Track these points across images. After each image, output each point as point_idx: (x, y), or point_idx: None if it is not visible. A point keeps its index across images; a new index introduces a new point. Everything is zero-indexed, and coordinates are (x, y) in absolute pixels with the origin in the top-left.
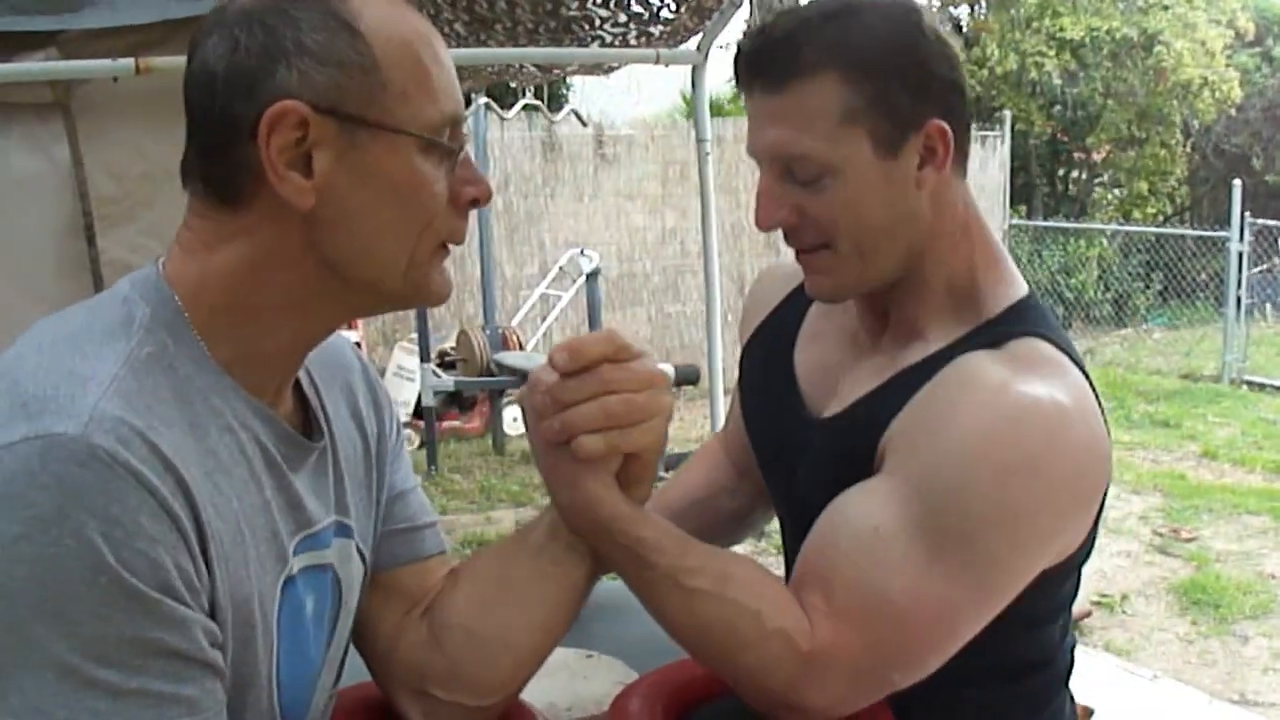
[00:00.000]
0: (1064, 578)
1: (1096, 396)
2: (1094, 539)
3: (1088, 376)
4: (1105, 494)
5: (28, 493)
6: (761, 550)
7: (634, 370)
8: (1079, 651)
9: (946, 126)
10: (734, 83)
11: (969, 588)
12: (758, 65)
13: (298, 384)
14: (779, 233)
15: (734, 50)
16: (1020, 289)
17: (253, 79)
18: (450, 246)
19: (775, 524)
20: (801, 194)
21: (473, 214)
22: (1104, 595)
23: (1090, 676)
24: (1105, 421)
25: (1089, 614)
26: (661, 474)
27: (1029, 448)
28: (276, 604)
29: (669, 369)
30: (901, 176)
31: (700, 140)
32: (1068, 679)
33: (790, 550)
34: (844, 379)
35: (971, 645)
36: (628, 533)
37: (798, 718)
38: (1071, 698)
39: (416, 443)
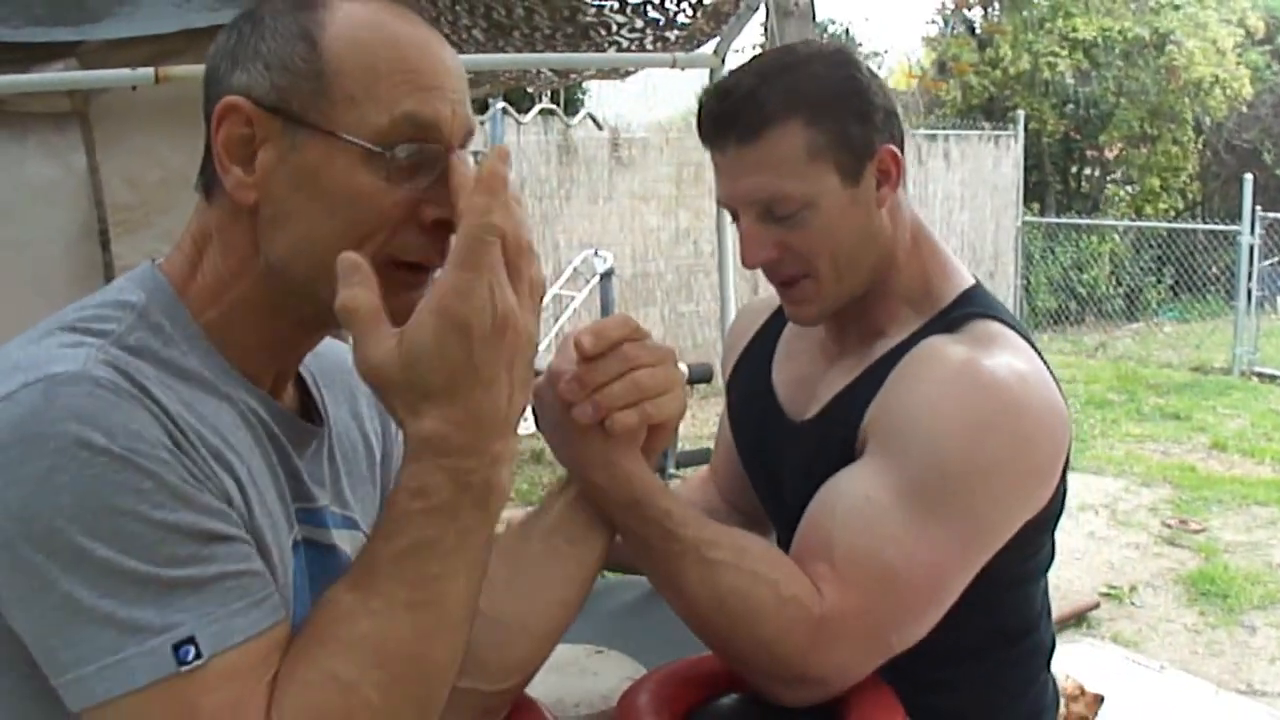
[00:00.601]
0: (1039, 533)
1: (1047, 366)
2: (1063, 498)
3: (1037, 350)
4: (1069, 453)
5: (42, 429)
6: None
7: (650, 346)
8: (1087, 643)
9: (895, 148)
10: (702, 139)
11: (955, 543)
12: (727, 122)
13: (298, 377)
14: None
15: (698, 110)
16: (966, 279)
17: (216, 77)
18: (422, 269)
19: None
20: (781, 231)
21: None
22: (1112, 587)
23: (1098, 667)
24: (1060, 389)
25: (1097, 605)
26: (673, 472)
27: (994, 408)
28: (291, 565)
29: (683, 368)
30: (865, 199)
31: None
32: (1049, 658)
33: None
34: (818, 385)
35: (960, 610)
36: (657, 506)
37: (804, 690)
38: (1054, 679)
39: None
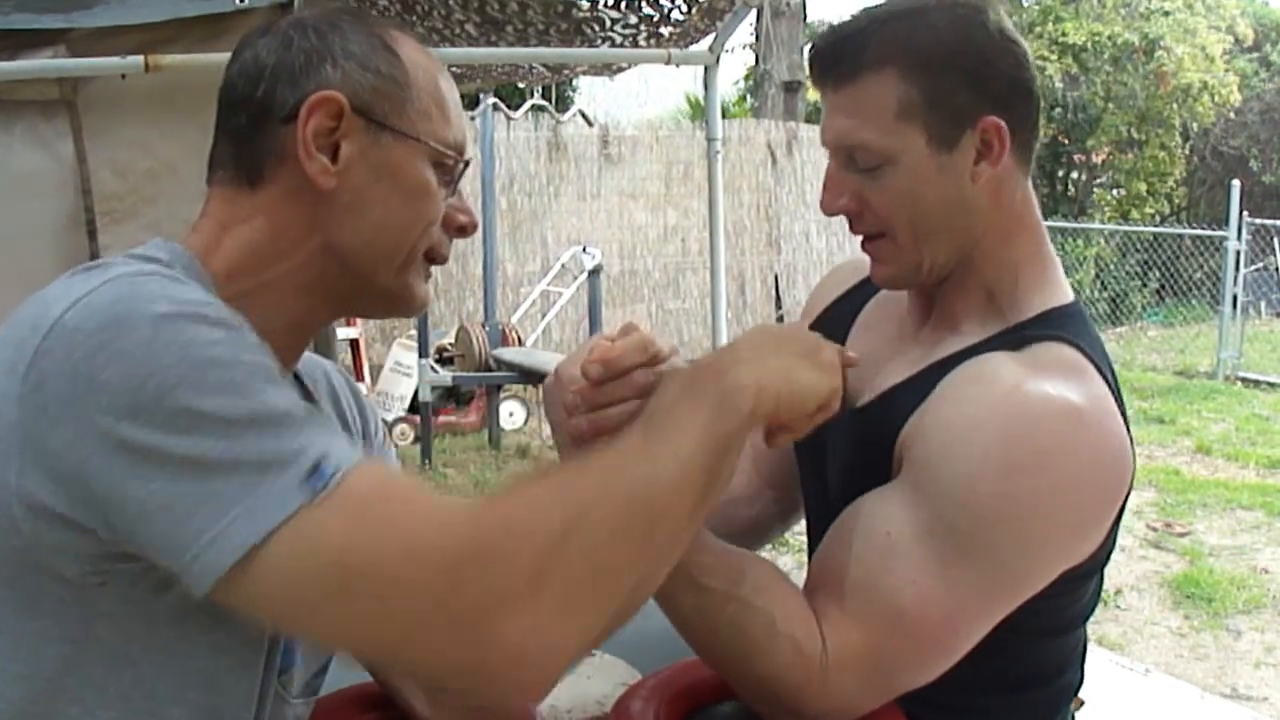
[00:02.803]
0: (1078, 584)
1: (1120, 405)
2: (1112, 546)
3: (1114, 386)
4: (1125, 499)
5: (136, 307)
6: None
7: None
8: None
9: (1002, 123)
10: (812, 80)
11: (976, 590)
12: (828, 61)
13: (294, 376)
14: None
15: (809, 50)
16: (1063, 295)
17: (301, 71)
18: (433, 267)
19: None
20: (863, 182)
21: (475, 210)
22: None
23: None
24: (1128, 428)
25: None
26: None
27: (1036, 447)
28: None
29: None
30: (956, 170)
31: (710, 139)
32: (1076, 692)
33: (814, 540)
34: (884, 368)
35: (987, 652)
36: None
37: None
38: (1072, 713)
39: (411, 437)
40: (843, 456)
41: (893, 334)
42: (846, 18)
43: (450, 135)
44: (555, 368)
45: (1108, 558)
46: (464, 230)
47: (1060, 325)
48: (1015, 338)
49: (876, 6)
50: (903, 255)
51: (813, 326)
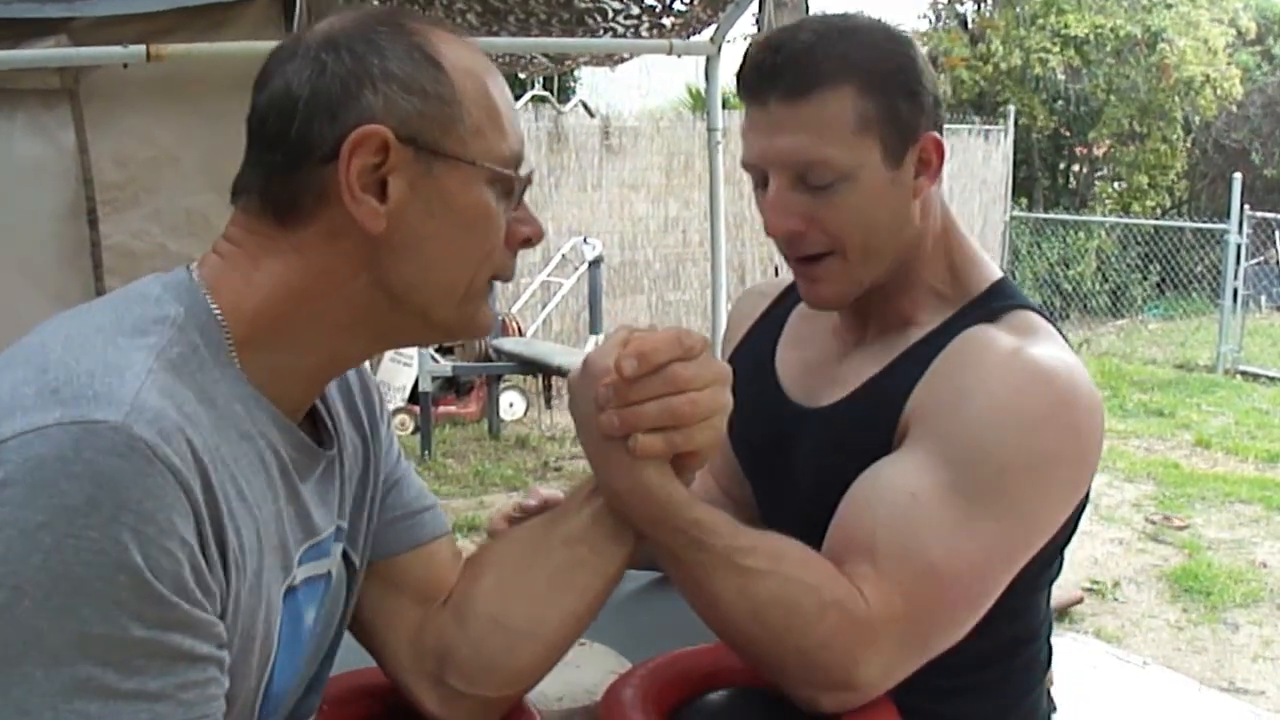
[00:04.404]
0: (1065, 534)
1: None
2: (1088, 497)
3: (1068, 343)
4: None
5: (57, 480)
6: None
7: (699, 368)
8: (1070, 637)
9: (940, 138)
10: (741, 92)
11: (1002, 540)
12: (774, 75)
13: None
14: None
15: (742, 61)
16: (995, 271)
17: (338, 102)
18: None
19: None
20: (812, 202)
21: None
22: (1095, 582)
23: (1080, 662)
24: None
25: (1080, 600)
26: None
27: (1051, 399)
28: (280, 615)
29: None
30: (903, 184)
31: (711, 130)
32: (1047, 667)
33: None
34: (836, 371)
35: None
36: (684, 516)
37: (846, 696)
38: (1049, 689)
39: (411, 427)
40: (817, 455)
41: (828, 342)
42: (777, 31)
43: (507, 147)
44: (584, 359)
45: (1085, 506)
46: (529, 242)
47: (1012, 295)
48: (984, 311)
49: (805, 23)
50: (850, 273)
51: (736, 349)
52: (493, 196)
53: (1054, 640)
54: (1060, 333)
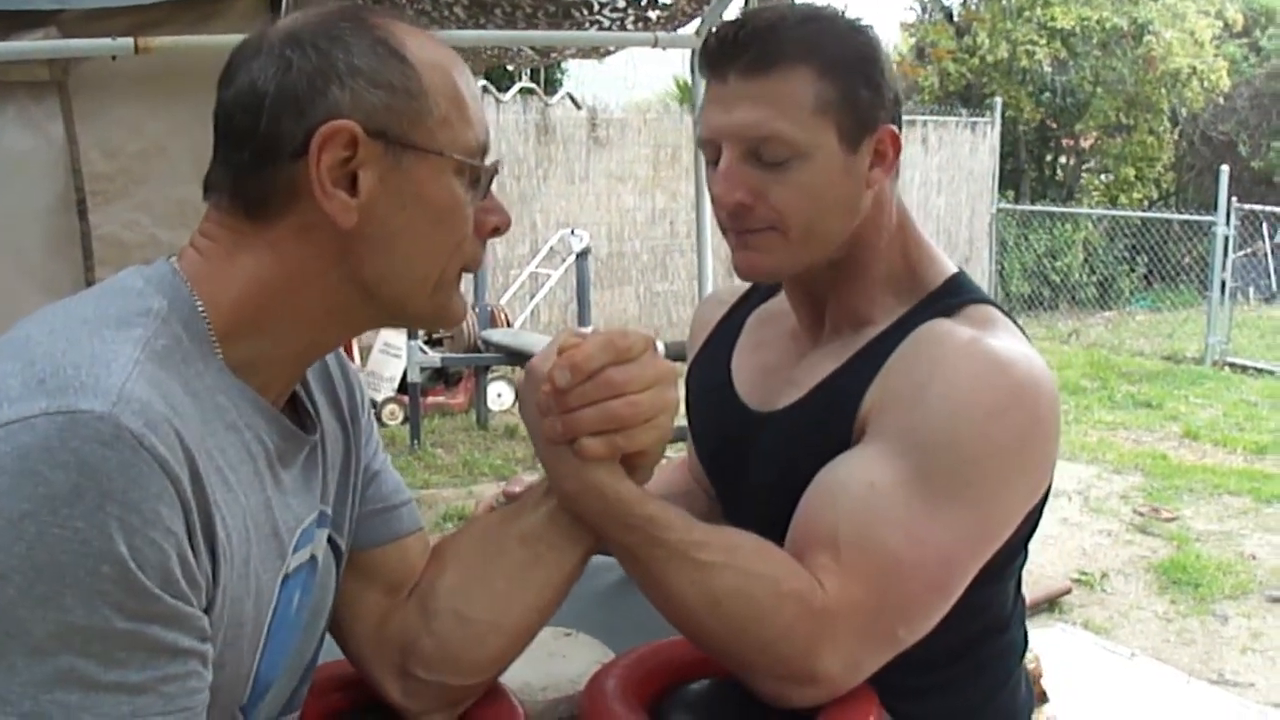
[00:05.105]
0: (1028, 523)
1: None
2: (1050, 486)
3: (1026, 337)
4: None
5: (42, 469)
6: None
7: (637, 371)
8: (1058, 628)
9: (897, 132)
10: (702, 67)
11: (966, 529)
12: (737, 49)
13: None
14: None
15: (705, 39)
16: (950, 267)
17: (305, 98)
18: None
19: None
20: (763, 177)
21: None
22: (1084, 573)
23: (1068, 653)
24: None
25: (1068, 591)
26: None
27: (1009, 388)
28: (274, 603)
29: (660, 347)
30: (856, 173)
31: (698, 122)
32: (1022, 655)
33: None
34: (793, 373)
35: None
36: (636, 513)
37: (813, 690)
38: (1027, 677)
39: (400, 418)
40: (773, 458)
41: (785, 345)
42: (743, 13)
43: (474, 137)
44: (527, 366)
45: (1047, 496)
46: (498, 231)
47: (969, 289)
48: (940, 306)
49: (770, 7)
50: (789, 250)
51: (695, 358)
52: (461, 187)
53: (1043, 631)
54: (1019, 327)
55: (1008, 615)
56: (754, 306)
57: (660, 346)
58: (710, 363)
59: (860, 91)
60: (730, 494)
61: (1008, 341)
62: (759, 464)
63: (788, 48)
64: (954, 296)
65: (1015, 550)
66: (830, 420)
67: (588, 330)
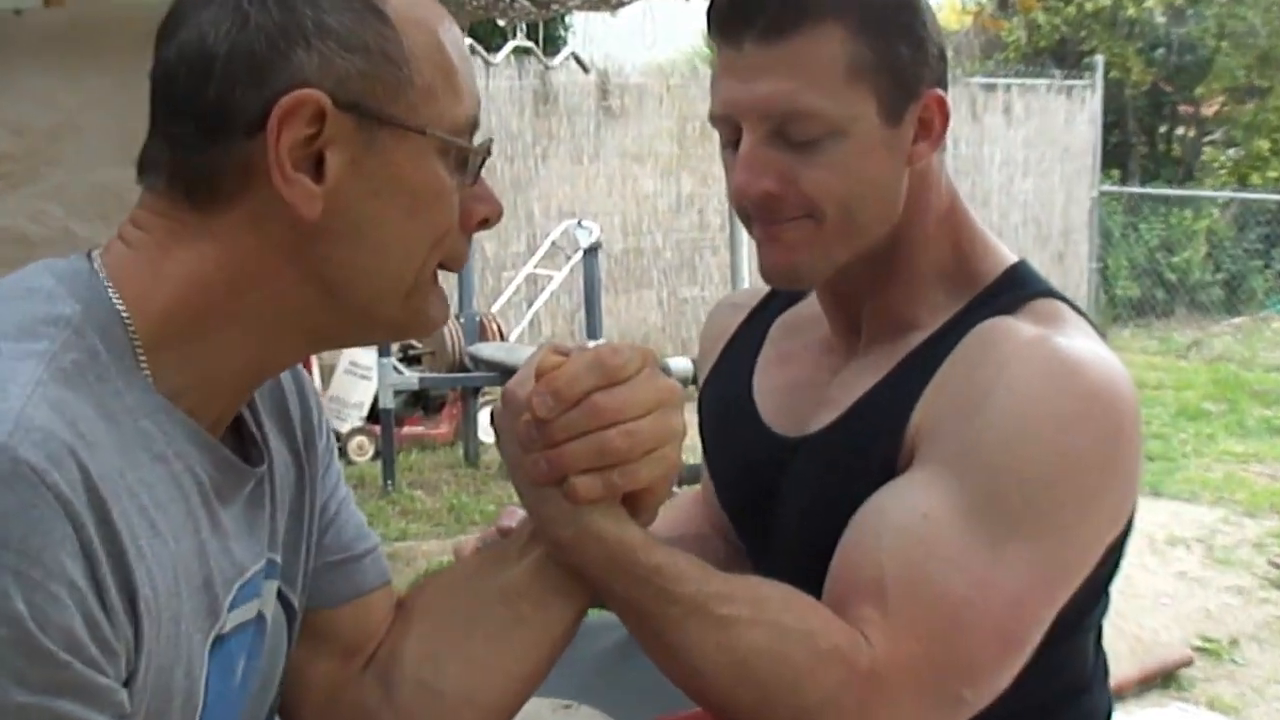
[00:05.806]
0: (1112, 557)
1: None
2: (1134, 513)
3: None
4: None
5: None
6: None
7: (633, 394)
8: (1176, 708)
9: (944, 97)
10: (712, 30)
11: (1038, 566)
12: (751, 9)
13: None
14: None
15: None
16: (1009, 256)
17: (264, 61)
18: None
19: None
20: (792, 159)
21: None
22: (1209, 639)
23: None
24: None
25: (1190, 661)
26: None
27: (1084, 395)
28: (205, 669)
29: (686, 364)
30: (898, 148)
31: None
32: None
33: None
34: (827, 390)
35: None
36: (641, 563)
37: None
38: None
39: (370, 452)
40: (807, 491)
41: (817, 358)
42: None
43: (463, 112)
44: (503, 391)
45: (1131, 528)
46: (486, 223)
47: (1033, 282)
48: (1000, 302)
49: None
50: (824, 242)
51: (708, 377)
52: (446, 170)
53: (1157, 711)
54: (1092, 325)
55: (1089, 674)
56: (777, 312)
57: (679, 365)
58: (728, 380)
59: (901, 50)
60: (755, 536)
61: (1080, 341)
62: (789, 499)
63: (812, 3)
64: (1016, 290)
65: (1096, 593)
66: (873, 444)
67: (572, 347)
